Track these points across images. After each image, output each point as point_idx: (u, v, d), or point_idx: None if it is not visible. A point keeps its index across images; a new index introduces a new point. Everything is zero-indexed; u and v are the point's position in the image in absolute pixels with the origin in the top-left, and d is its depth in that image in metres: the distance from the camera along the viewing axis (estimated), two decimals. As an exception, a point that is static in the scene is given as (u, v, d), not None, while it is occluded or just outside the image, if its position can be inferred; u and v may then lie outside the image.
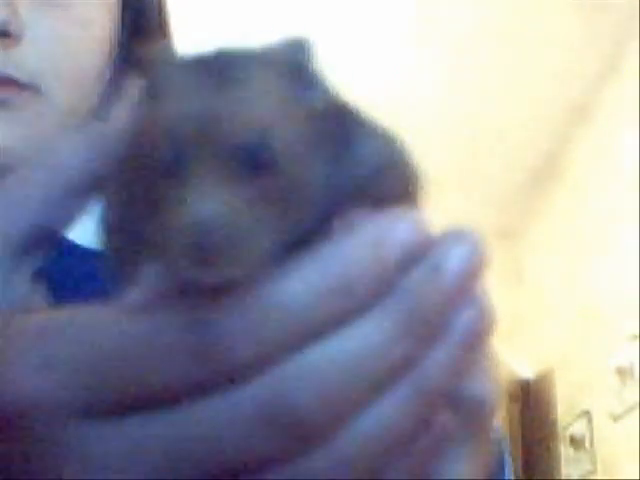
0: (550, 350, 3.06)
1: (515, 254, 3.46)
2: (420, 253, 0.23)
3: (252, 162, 0.22)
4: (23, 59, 0.47)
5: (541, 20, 2.48)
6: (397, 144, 0.28)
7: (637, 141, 2.45)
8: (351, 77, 2.67)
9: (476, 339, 0.24)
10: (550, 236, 3.21)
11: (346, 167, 0.26)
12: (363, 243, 0.23)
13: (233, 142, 0.22)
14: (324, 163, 0.25)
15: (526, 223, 3.39)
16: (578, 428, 2.75)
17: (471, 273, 0.24)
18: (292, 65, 0.25)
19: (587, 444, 2.68)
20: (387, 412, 0.23)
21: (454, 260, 0.23)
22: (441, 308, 0.23)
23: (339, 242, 0.23)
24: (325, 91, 0.26)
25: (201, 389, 0.22)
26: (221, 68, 0.24)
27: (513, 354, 3.13)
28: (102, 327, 0.23)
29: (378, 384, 0.23)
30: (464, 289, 0.24)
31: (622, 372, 2.45)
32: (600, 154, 2.80)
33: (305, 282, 0.22)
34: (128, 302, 0.23)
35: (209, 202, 0.22)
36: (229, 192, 0.22)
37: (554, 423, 2.96)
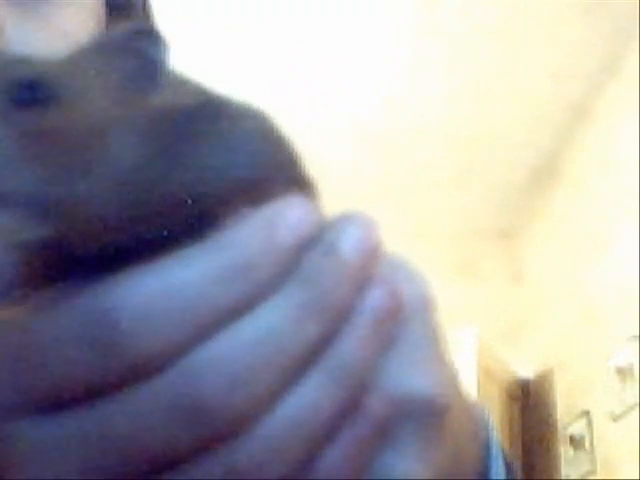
0: (550, 350, 3.06)
1: (515, 254, 3.46)
2: (315, 236, 0.24)
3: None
4: None
5: (541, 20, 2.49)
6: (274, 130, 0.27)
7: (637, 141, 2.45)
8: (351, 77, 2.68)
9: (385, 318, 0.24)
10: (550, 236, 3.21)
11: (220, 163, 0.25)
12: (256, 229, 0.23)
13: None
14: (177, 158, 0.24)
15: (526, 223, 3.40)
16: (578, 428, 2.75)
17: (366, 252, 0.24)
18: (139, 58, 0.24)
19: (587, 444, 2.68)
20: (308, 396, 0.23)
21: (348, 240, 0.24)
22: (342, 288, 0.23)
23: (231, 231, 0.23)
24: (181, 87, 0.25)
25: (112, 385, 0.22)
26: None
27: (513, 354, 3.13)
28: (8, 327, 0.23)
29: (292, 369, 0.23)
30: (362, 269, 0.24)
31: (622, 372, 2.45)
32: (600, 154, 2.80)
33: (201, 270, 0.22)
34: (31, 302, 0.23)
35: None
36: None
37: (554, 423, 2.96)
